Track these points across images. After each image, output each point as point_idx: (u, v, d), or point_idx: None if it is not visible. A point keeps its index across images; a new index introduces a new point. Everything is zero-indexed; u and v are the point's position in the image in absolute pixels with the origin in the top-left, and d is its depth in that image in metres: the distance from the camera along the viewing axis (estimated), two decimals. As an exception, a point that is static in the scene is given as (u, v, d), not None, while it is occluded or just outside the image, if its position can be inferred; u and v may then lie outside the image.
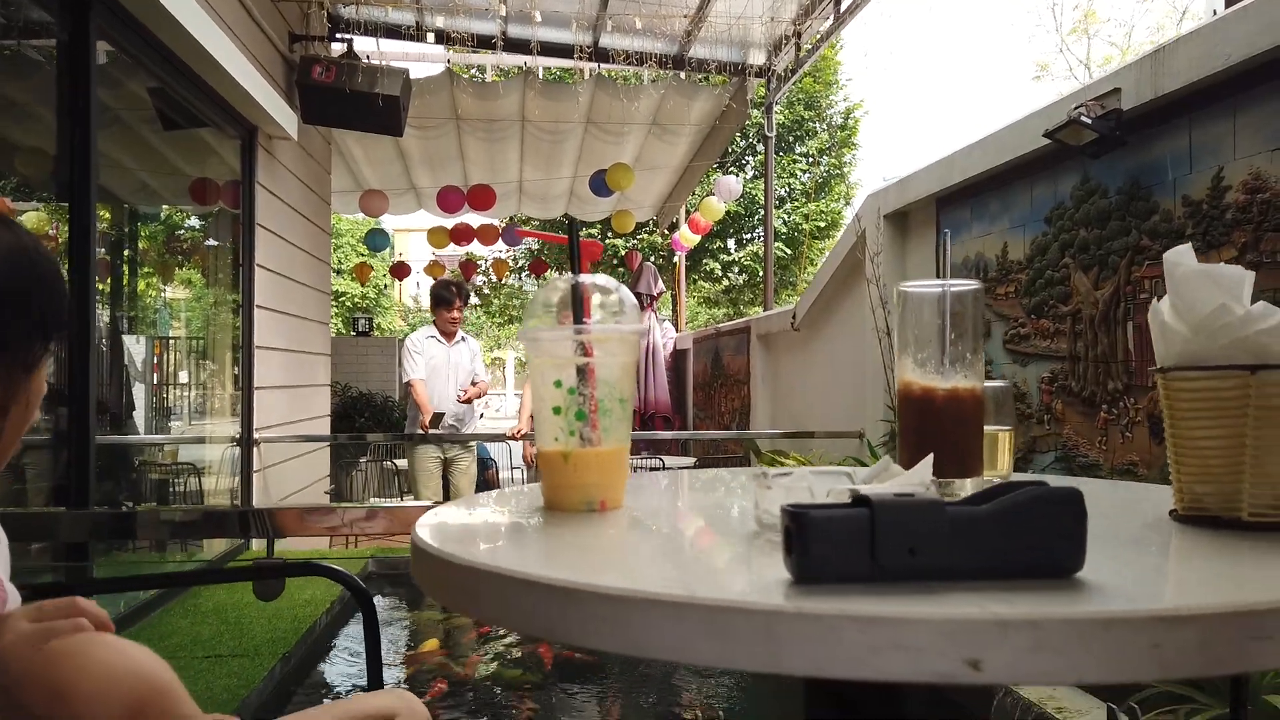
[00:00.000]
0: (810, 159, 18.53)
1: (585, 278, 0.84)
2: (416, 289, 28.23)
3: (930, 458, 0.66)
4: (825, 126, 18.79)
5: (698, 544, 0.75)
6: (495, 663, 4.07)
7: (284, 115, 5.35)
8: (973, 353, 0.84)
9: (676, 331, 12.08)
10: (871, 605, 0.48)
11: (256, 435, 5.37)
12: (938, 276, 0.87)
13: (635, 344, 0.84)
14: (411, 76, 6.08)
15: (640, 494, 0.97)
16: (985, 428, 0.90)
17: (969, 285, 0.86)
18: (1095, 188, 3.69)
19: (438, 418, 5.47)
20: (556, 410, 0.82)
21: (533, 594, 0.56)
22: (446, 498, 5.88)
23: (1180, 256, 0.75)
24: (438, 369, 5.63)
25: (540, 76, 7.50)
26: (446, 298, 5.72)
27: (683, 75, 7.63)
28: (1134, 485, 0.95)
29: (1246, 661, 0.49)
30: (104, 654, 0.66)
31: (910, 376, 0.84)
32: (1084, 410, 3.68)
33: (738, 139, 17.00)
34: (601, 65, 7.21)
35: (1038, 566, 0.54)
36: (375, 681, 1.21)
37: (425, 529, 0.74)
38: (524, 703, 3.57)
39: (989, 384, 0.95)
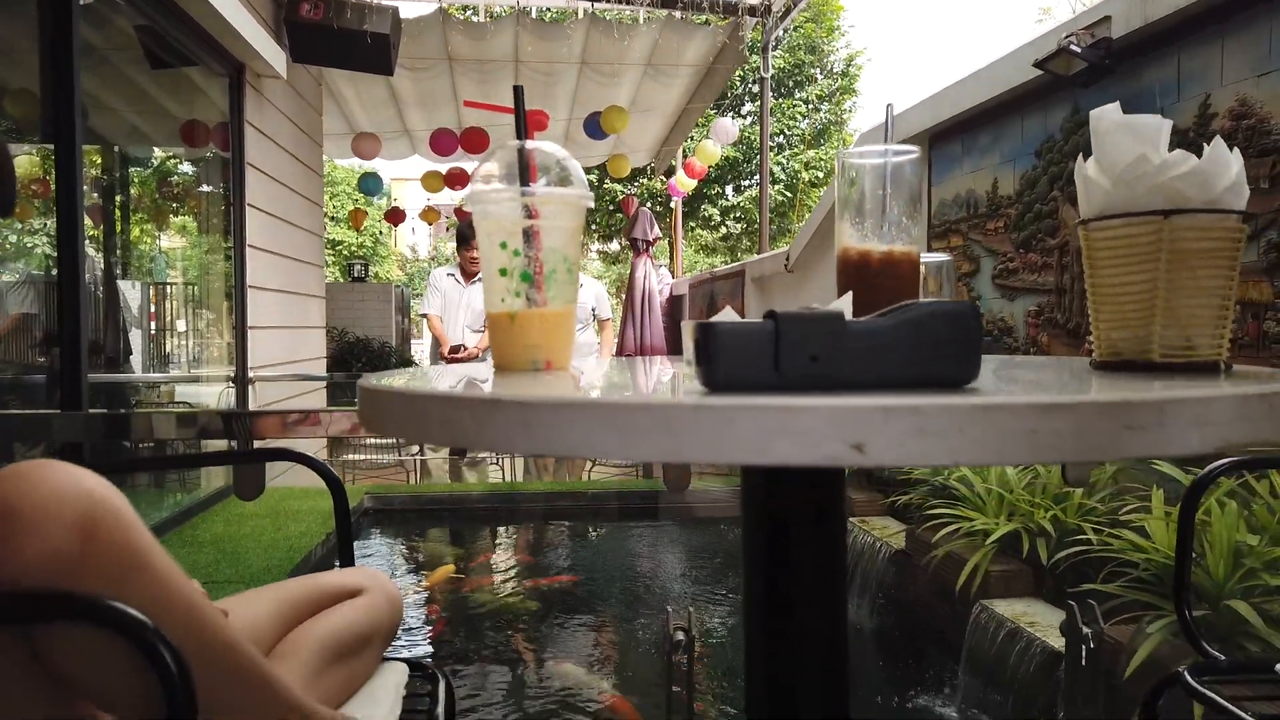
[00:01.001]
0: (810, 105, 18.34)
1: (531, 144, 0.86)
2: (413, 235, 28.12)
3: (849, 295, 0.68)
4: (825, 73, 18.57)
5: (627, 381, 0.78)
6: (495, 593, 4.16)
7: (272, 52, 5.30)
8: (909, 218, 0.86)
9: (673, 278, 12.06)
10: (766, 400, 0.51)
11: (251, 374, 5.41)
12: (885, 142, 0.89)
13: (580, 209, 0.86)
14: (402, 16, 6.01)
15: (597, 367, 1.00)
16: (924, 299, 0.92)
17: (908, 153, 0.87)
18: (1085, 119, 3.67)
19: (456, 349, 5.60)
20: (503, 272, 0.84)
21: (452, 408, 0.59)
22: (459, 443, 5.96)
23: (1105, 113, 0.77)
24: (450, 307, 5.69)
25: (533, 15, 7.41)
26: (466, 235, 5.80)
27: (677, 14, 7.53)
28: (1078, 359, 0.97)
29: (1119, 449, 0.51)
30: (52, 475, 0.67)
31: (848, 242, 0.87)
32: (1068, 341, 3.70)
33: (736, 82, 16.82)
34: (594, 3, 7.11)
35: (933, 377, 0.57)
36: (346, 561, 1.26)
37: (374, 377, 0.77)
38: (522, 628, 3.66)
39: (930, 257, 0.97)
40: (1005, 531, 2.94)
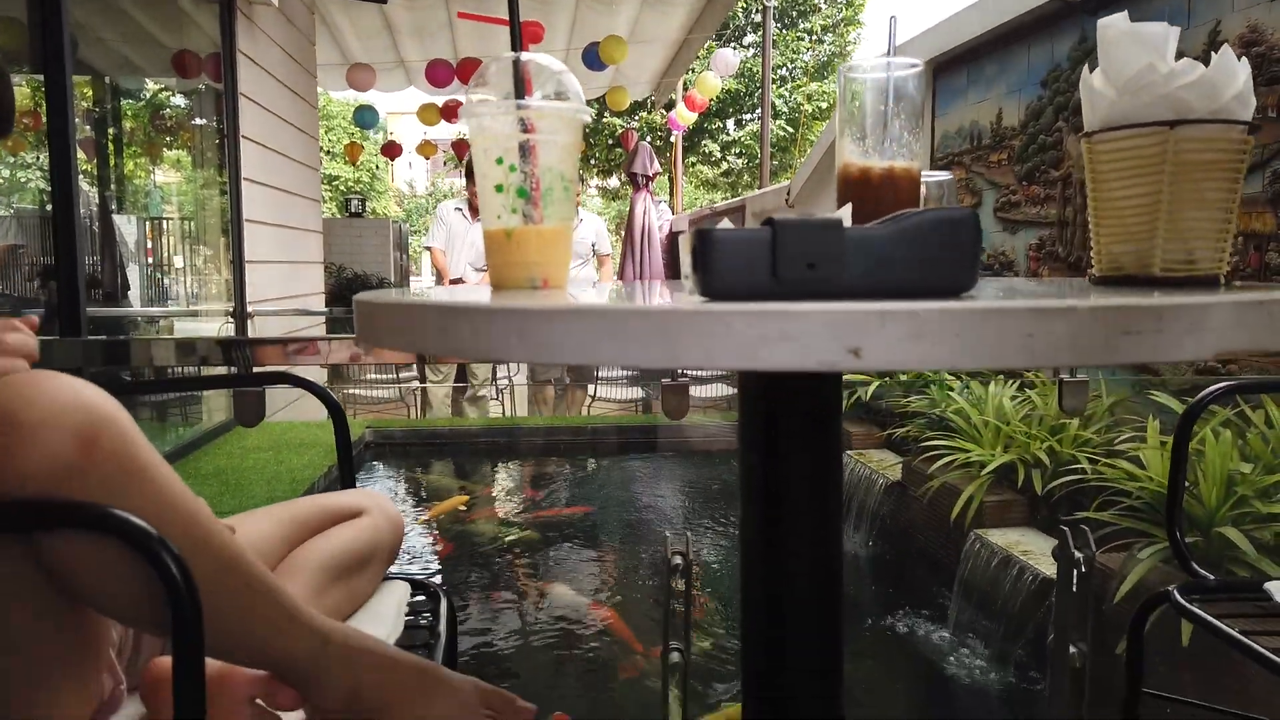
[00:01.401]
0: (814, 36, 17.99)
1: (526, 55, 0.84)
2: (410, 170, 27.84)
3: (849, 206, 0.68)
4: (829, 2, 18.18)
5: (625, 296, 0.78)
6: (497, 523, 4.21)
7: (262, -22, 5.17)
8: (911, 133, 0.85)
9: (673, 214, 11.96)
10: (763, 305, 0.50)
11: (250, 309, 5.40)
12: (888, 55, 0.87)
13: (577, 125, 0.85)
14: (395, -60, 5.86)
15: (599, 289, 0.99)
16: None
17: (911, 66, 0.86)
18: (1093, 47, 3.61)
19: (456, 282, 5.55)
20: (499, 188, 0.83)
21: (449, 318, 0.59)
22: (460, 370, 5.96)
23: (1113, 21, 0.75)
24: (455, 242, 5.61)
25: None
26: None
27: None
28: (1078, 279, 0.97)
29: (1116, 354, 0.51)
30: (52, 385, 0.66)
31: (849, 158, 0.85)
32: (1069, 275, 3.69)
33: (738, 12, 16.48)
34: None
35: (931, 284, 0.57)
36: (347, 483, 1.27)
37: (368, 294, 0.76)
38: (524, 556, 3.72)
39: (931, 175, 0.96)
40: (1001, 462, 2.97)
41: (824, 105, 17.45)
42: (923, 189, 0.95)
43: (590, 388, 6.41)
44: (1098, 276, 0.76)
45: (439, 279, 5.73)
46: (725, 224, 0.68)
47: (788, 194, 7.24)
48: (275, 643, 0.78)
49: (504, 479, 5.19)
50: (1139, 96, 0.70)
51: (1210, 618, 1.14)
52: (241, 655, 0.79)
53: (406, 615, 1.15)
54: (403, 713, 0.83)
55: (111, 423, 0.67)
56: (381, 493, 1.63)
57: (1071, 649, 1.77)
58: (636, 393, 6.39)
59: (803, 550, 0.73)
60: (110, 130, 5.19)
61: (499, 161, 0.83)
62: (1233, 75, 0.69)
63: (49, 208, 3.59)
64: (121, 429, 0.67)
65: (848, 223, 0.68)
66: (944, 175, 0.97)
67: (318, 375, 5.79)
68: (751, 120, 17.81)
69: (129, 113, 5.54)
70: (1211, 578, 1.24)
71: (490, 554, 3.75)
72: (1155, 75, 0.70)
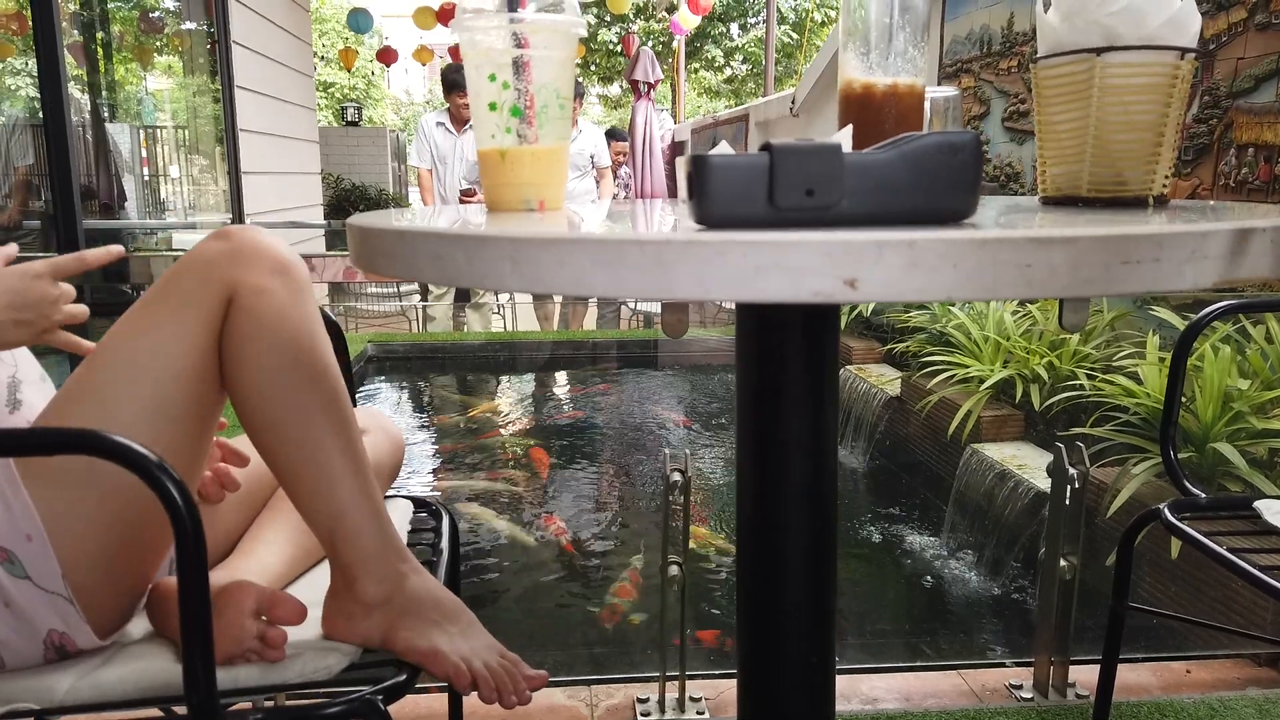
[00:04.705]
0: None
1: (519, -34, 0.81)
2: (405, 76, 27.24)
3: (849, 128, 0.66)
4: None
5: (620, 220, 0.77)
6: (501, 434, 4.26)
7: (248, -126, 4.97)
8: (915, 48, 0.82)
9: (675, 123, 11.76)
10: (758, 235, 0.50)
11: (249, 221, 5.35)
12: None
13: (572, 39, 0.82)
14: None
15: (593, 208, 0.98)
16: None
17: (917, -23, 0.83)
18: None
19: (467, 194, 5.41)
20: (492, 106, 0.81)
21: (442, 245, 0.58)
22: (462, 289, 5.92)
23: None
24: (444, 158, 5.40)
25: None
26: (457, 81, 5.39)
27: None
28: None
29: (1115, 284, 0.51)
30: (274, 237, 0.89)
31: (851, 74, 0.83)
32: (1076, 187, 3.64)
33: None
34: None
35: (931, 211, 0.56)
36: (347, 404, 1.27)
37: (363, 217, 0.75)
38: (524, 468, 3.78)
39: (936, 91, 0.94)
40: (1000, 378, 2.98)
41: (831, 12, 16.95)
42: (927, 106, 0.92)
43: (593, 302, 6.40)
44: (1043, 198, 0.78)
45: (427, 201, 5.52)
46: (724, 147, 0.67)
47: (792, 102, 7.10)
48: (355, 506, 0.86)
49: (507, 390, 5.23)
50: (1074, 23, 0.72)
51: (1199, 535, 1.16)
52: (322, 507, 0.87)
53: (409, 531, 1.17)
54: (430, 629, 0.86)
55: (301, 271, 0.92)
56: (383, 410, 1.64)
57: (1062, 561, 1.81)
58: (640, 306, 6.40)
59: (797, 477, 0.74)
60: (99, 35, 5.06)
61: (492, 78, 0.81)
62: (1164, 2, 0.69)
63: (40, 115, 3.52)
64: (305, 279, 0.92)
65: (847, 147, 0.67)
66: (950, 91, 0.95)
67: (317, 288, 5.77)
68: (756, 25, 17.32)
69: (117, 16, 5.40)
70: (1202, 495, 1.26)
71: (497, 463, 3.81)
72: (1089, 2, 0.70)
